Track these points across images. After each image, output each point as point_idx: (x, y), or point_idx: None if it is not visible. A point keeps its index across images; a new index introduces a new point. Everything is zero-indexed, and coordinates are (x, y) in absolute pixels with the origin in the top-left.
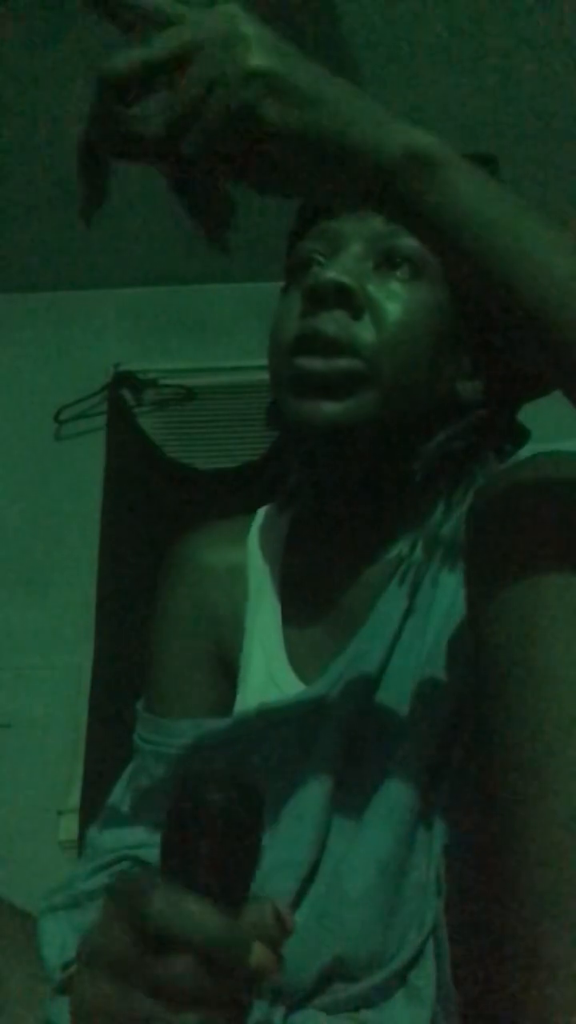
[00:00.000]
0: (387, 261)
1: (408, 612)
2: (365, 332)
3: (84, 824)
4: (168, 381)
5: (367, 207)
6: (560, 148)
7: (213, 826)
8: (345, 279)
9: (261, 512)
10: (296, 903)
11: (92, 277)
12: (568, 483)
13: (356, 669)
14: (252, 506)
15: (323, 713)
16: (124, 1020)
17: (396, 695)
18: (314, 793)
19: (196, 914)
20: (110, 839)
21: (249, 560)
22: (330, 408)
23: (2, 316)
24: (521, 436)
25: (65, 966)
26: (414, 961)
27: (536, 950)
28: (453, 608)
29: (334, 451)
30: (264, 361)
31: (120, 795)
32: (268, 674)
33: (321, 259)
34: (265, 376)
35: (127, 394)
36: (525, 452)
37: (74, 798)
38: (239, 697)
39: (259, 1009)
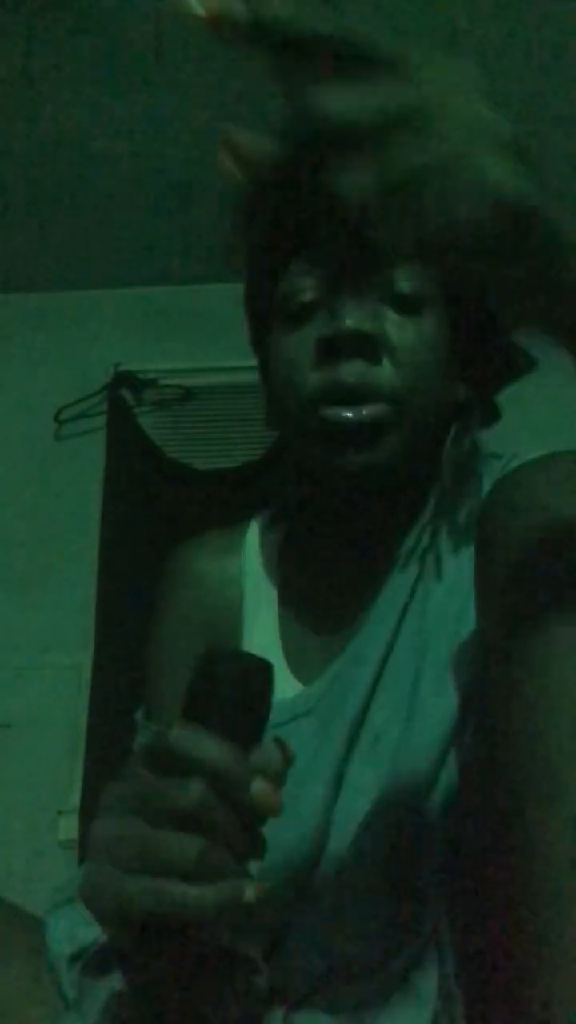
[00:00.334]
0: (389, 297)
1: (404, 614)
2: (385, 376)
3: (84, 824)
4: (168, 381)
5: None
6: (558, 148)
7: (228, 676)
8: (366, 328)
9: (255, 519)
10: (295, 903)
11: (92, 277)
12: None
13: (353, 670)
14: (252, 506)
15: (322, 714)
16: (134, 846)
17: (394, 696)
18: (314, 794)
19: (208, 742)
20: None
21: (245, 567)
22: (362, 458)
23: (2, 316)
24: (496, 417)
25: (73, 957)
26: (415, 963)
27: (539, 953)
28: (451, 611)
29: (361, 495)
30: None
31: None
32: None
33: (320, 299)
34: None
35: (127, 394)
36: (517, 454)
37: (74, 798)
38: None
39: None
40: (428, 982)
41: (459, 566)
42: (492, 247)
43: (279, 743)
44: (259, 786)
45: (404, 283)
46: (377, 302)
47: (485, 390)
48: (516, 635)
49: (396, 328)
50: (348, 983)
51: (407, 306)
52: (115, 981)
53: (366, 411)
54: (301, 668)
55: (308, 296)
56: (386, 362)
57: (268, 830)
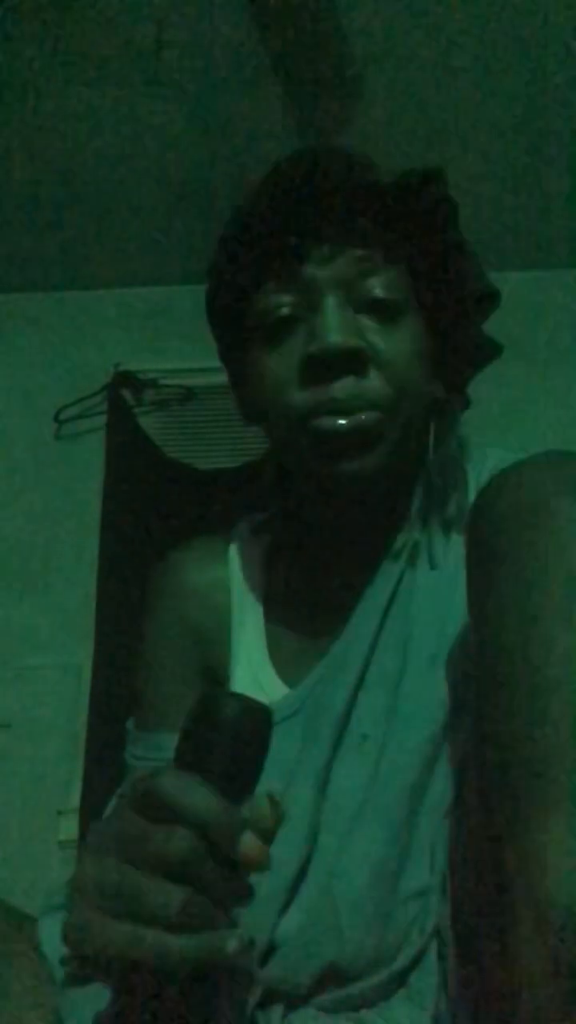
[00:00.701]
0: (366, 306)
1: (386, 614)
2: (374, 387)
3: (84, 824)
4: (168, 381)
5: None
6: (558, 148)
7: (225, 724)
8: (352, 343)
9: (241, 524)
10: (287, 905)
11: (92, 277)
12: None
13: (338, 671)
14: (252, 506)
15: (308, 715)
16: (119, 892)
17: (379, 696)
18: (302, 795)
19: (198, 792)
20: None
21: (231, 573)
22: (357, 465)
23: (2, 316)
24: (468, 404)
25: (64, 961)
26: (415, 963)
27: (545, 951)
28: (437, 601)
29: (354, 501)
30: None
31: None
32: (254, 680)
33: (299, 313)
34: None
35: (127, 394)
36: (506, 454)
37: (74, 798)
38: None
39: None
40: (428, 983)
41: (448, 553)
42: None
43: (272, 799)
44: (248, 841)
45: (380, 290)
46: (356, 312)
47: (459, 381)
48: (507, 632)
49: (379, 337)
50: (346, 983)
51: (385, 313)
52: (97, 991)
53: (362, 418)
54: (287, 670)
55: (285, 311)
56: (373, 373)
57: None
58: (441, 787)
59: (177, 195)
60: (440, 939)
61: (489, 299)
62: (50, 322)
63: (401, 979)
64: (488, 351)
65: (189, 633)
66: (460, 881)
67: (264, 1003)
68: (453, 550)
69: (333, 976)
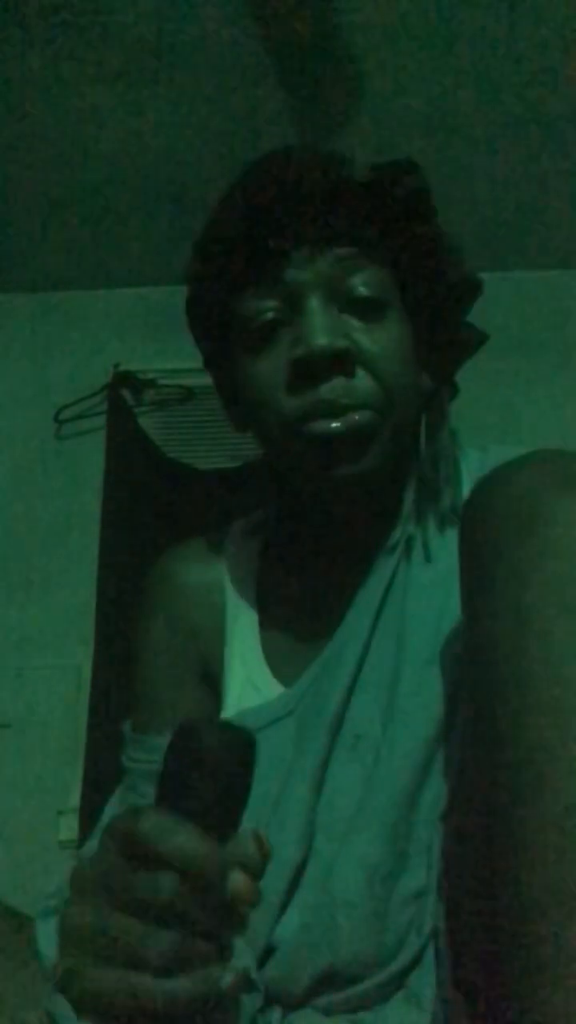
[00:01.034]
0: (350, 305)
1: (381, 610)
2: (364, 387)
3: (84, 824)
4: (168, 381)
5: None
6: (558, 148)
7: (208, 761)
8: (340, 344)
9: (236, 524)
10: (283, 908)
11: (92, 277)
12: (571, 478)
13: (332, 670)
14: (252, 506)
15: (302, 715)
16: (106, 937)
17: (374, 694)
18: (298, 795)
19: (181, 834)
20: None
21: (226, 573)
22: (352, 468)
23: (2, 316)
24: (456, 393)
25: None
26: (413, 965)
27: (537, 951)
28: (434, 595)
29: (350, 502)
30: None
31: (110, 815)
32: (248, 680)
33: (283, 317)
34: None
35: (127, 394)
36: (503, 452)
37: (74, 798)
38: (224, 706)
39: (252, 1004)
40: (427, 984)
41: (444, 546)
42: None
43: (256, 835)
44: (236, 880)
45: (363, 288)
46: (339, 312)
47: (446, 372)
48: (500, 628)
49: (364, 336)
50: (345, 985)
51: (369, 310)
52: None
53: (355, 418)
54: (282, 670)
55: (269, 316)
56: (361, 372)
57: None
58: (438, 787)
59: (177, 195)
60: (436, 940)
61: (471, 288)
62: (50, 322)
63: (399, 980)
64: (473, 340)
65: (184, 633)
66: (455, 881)
67: (263, 1006)
68: (448, 545)
69: (331, 978)
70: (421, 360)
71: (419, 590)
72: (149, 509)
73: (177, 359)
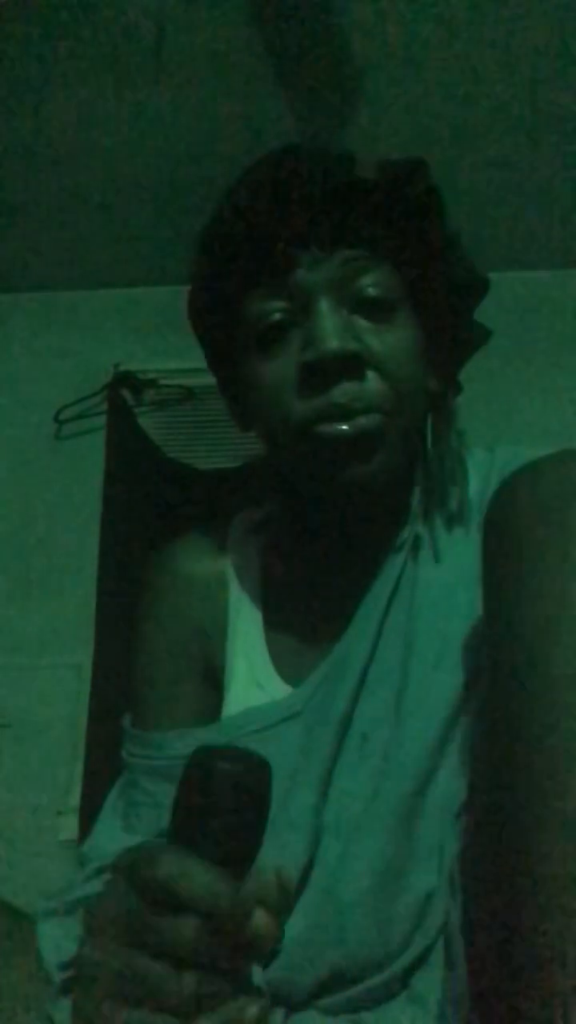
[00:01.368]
0: (359, 306)
1: (388, 610)
2: (374, 389)
3: (84, 824)
4: (168, 381)
5: None
6: (557, 148)
7: (222, 795)
8: (351, 347)
9: (238, 519)
10: (292, 908)
11: (92, 277)
12: None
13: (340, 670)
14: (254, 503)
15: (309, 716)
16: (127, 980)
17: (381, 695)
18: (305, 796)
19: (200, 876)
20: (105, 848)
21: (229, 568)
22: (361, 470)
23: (2, 316)
24: (460, 391)
25: (63, 967)
26: (418, 964)
27: (551, 951)
28: (441, 596)
29: (358, 505)
30: None
31: (111, 810)
32: (252, 678)
33: (291, 319)
34: None
35: (127, 394)
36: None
37: (74, 798)
38: (226, 703)
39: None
40: (431, 984)
41: (451, 546)
42: None
43: (279, 875)
44: (259, 919)
45: (372, 289)
46: (349, 314)
47: (452, 371)
48: (526, 626)
49: (374, 338)
50: (348, 985)
51: (379, 311)
52: None
53: (364, 422)
54: (288, 669)
55: (277, 316)
56: (371, 375)
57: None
58: (447, 786)
59: (177, 195)
60: (448, 940)
61: (480, 287)
62: (50, 322)
63: (403, 980)
64: (479, 338)
65: (186, 627)
66: (470, 882)
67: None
68: (456, 545)
69: (335, 979)
70: (428, 359)
71: (427, 590)
72: (149, 509)
73: (177, 359)
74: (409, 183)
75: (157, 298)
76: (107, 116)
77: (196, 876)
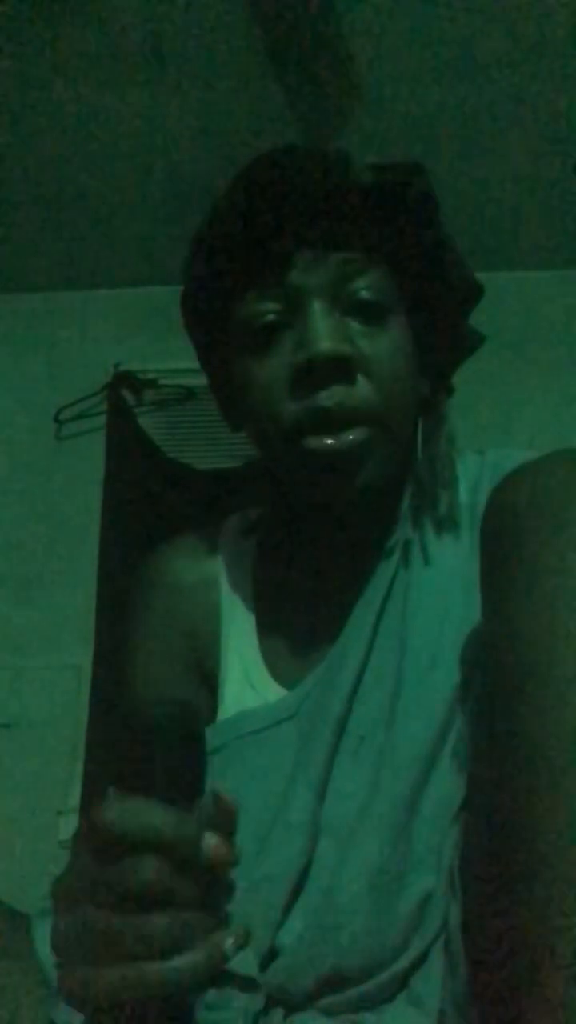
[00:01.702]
0: (352, 310)
1: (382, 613)
2: (363, 395)
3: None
4: (168, 381)
5: None
6: (558, 148)
7: (155, 733)
8: (343, 349)
9: (230, 521)
10: (287, 913)
11: (92, 277)
12: None
13: (335, 673)
14: (248, 504)
15: (304, 718)
16: (99, 939)
17: (376, 697)
18: (301, 799)
19: (146, 812)
20: None
21: (220, 570)
22: (349, 484)
23: (2, 316)
24: (451, 394)
25: (59, 966)
26: (416, 965)
27: (551, 952)
28: (433, 597)
29: (346, 511)
30: None
31: None
32: (246, 680)
33: (284, 320)
34: None
35: (127, 394)
36: (517, 453)
37: (74, 798)
38: (220, 706)
39: (253, 1005)
40: (431, 986)
41: (442, 550)
42: None
43: (217, 796)
44: (209, 842)
45: (366, 292)
46: (342, 316)
47: (444, 375)
48: (524, 624)
49: (366, 341)
50: (346, 986)
51: (371, 315)
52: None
53: (351, 436)
54: (281, 671)
55: (270, 318)
56: (361, 379)
57: (259, 838)
58: (444, 787)
59: (177, 195)
60: (449, 940)
61: (473, 292)
62: (50, 322)
63: (402, 981)
64: (472, 343)
65: (178, 630)
66: (470, 882)
67: (265, 1008)
68: (447, 548)
69: (334, 980)
70: (420, 364)
71: (419, 593)
72: (149, 509)
73: (177, 359)
74: (405, 187)
75: (157, 298)
76: (107, 116)
77: (141, 811)
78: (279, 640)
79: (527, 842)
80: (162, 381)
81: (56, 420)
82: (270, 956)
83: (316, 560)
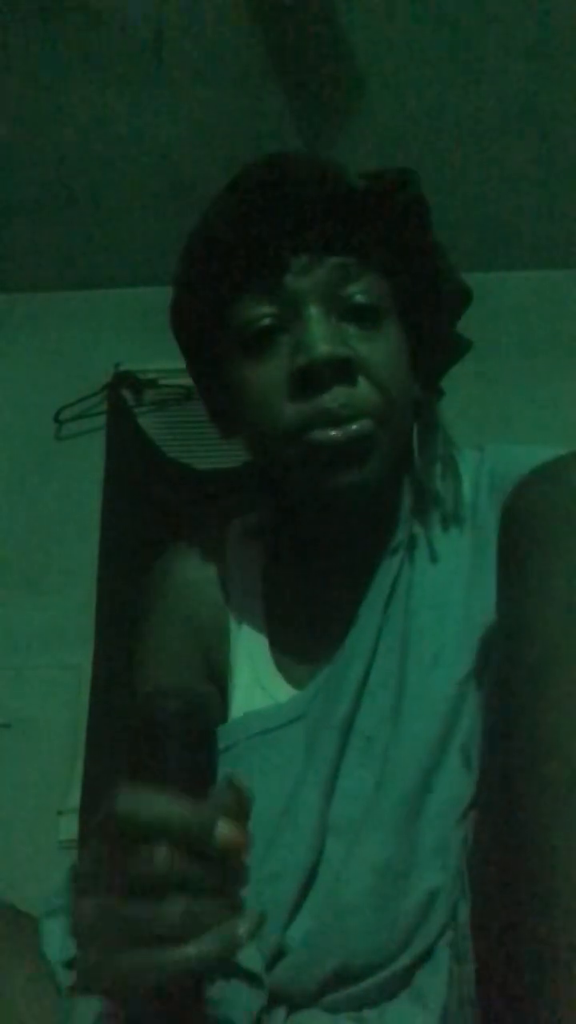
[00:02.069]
0: (348, 314)
1: (386, 613)
2: (364, 395)
3: (84, 824)
4: (168, 381)
5: None
6: (558, 147)
7: (168, 723)
8: (343, 352)
9: (236, 523)
10: (295, 911)
11: (92, 277)
12: None
13: (342, 673)
14: (252, 506)
15: (313, 718)
16: (116, 924)
17: (382, 696)
18: (309, 799)
19: (158, 801)
20: None
21: (229, 572)
22: (353, 477)
23: (2, 316)
24: (441, 395)
25: (67, 964)
26: (420, 962)
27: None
28: (434, 604)
29: (348, 510)
30: None
31: None
32: (256, 681)
33: (280, 324)
34: None
35: (127, 394)
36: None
37: (74, 798)
38: (231, 707)
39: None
40: (436, 984)
41: (448, 546)
42: None
43: (232, 783)
44: (223, 829)
45: (361, 296)
46: (338, 320)
47: (433, 379)
48: (545, 622)
49: (363, 344)
50: (350, 983)
51: (367, 319)
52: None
53: (355, 428)
54: (291, 672)
55: (266, 322)
56: (362, 381)
57: (267, 838)
58: (450, 785)
59: (177, 195)
60: (457, 938)
61: (463, 297)
62: (50, 322)
63: (406, 979)
64: (461, 348)
65: (188, 631)
66: (480, 880)
67: (269, 1005)
68: (452, 544)
69: (338, 977)
70: (413, 367)
71: (422, 590)
72: (149, 509)
73: (177, 359)
74: (398, 191)
75: (157, 298)
76: (107, 116)
77: (154, 801)
78: (288, 642)
79: (541, 835)
80: (162, 381)
81: (56, 420)
82: (277, 955)
83: (321, 561)
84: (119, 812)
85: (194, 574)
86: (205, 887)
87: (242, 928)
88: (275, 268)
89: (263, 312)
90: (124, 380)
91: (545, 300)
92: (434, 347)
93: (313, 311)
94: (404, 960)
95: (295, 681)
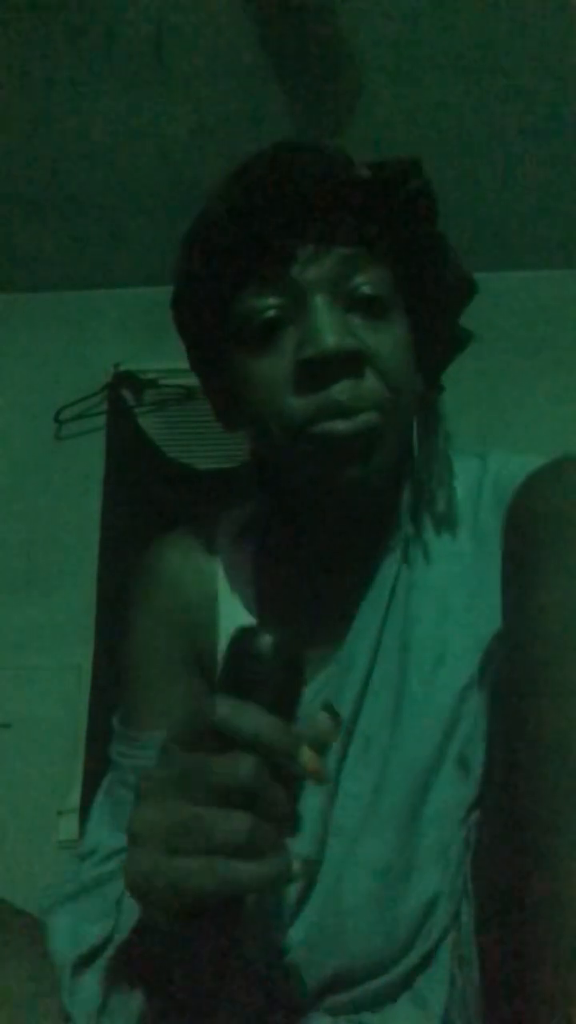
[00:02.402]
0: (355, 304)
1: (387, 615)
2: (372, 387)
3: (84, 824)
4: (168, 381)
5: None
6: (558, 148)
7: (266, 654)
8: (350, 344)
9: (224, 517)
10: (295, 915)
11: (92, 277)
12: None
13: (343, 676)
14: (239, 500)
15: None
16: (184, 828)
17: (382, 699)
18: (311, 801)
19: (255, 715)
20: (102, 842)
21: (219, 567)
22: (360, 470)
23: (2, 316)
24: (441, 391)
25: (79, 959)
26: (421, 967)
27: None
28: (434, 606)
29: (350, 506)
30: None
31: (99, 811)
32: None
33: (285, 316)
34: None
35: (127, 394)
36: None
37: (74, 798)
38: None
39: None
40: (437, 987)
41: (441, 548)
42: None
43: (330, 710)
44: (307, 755)
45: (367, 287)
46: (344, 312)
47: (435, 373)
48: (551, 625)
49: (370, 336)
50: (350, 986)
51: (373, 310)
52: (140, 991)
53: (363, 419)
54: None
55: (271, 314)
56: (369, 372)
57: None
58: (450, 788)
59: (177, 195)
60: (460, 941)
61: (468, 289)
62: (50, 322)
63: (406, 982)
64: (463, 341)
65: (176, 626)
66: (483, 882)
67: (269, 1008)
68: (446, 547)
69: (338, 980)
70: (417, 360)
71: (421, 592)
72: (149, 509)
73: (177, 359)
74: (406, 183)
75: (157, 298)
76: (107, 116)
77: (251, 713)
78: None
79: (544, 836)
80: (162, 381)
81: (56, 420)
82: (278, 956)
83: (318, 562)
84: (217, 717)
85: (183, 568)
86: (273, 811)
87: (295, 863)
88: (280, 259)
89: (268, 304)
90: (124, 380)
91: (545, 300)
92: (438, 339)
93: (319, 302)
94: (406, 964)
95: None
